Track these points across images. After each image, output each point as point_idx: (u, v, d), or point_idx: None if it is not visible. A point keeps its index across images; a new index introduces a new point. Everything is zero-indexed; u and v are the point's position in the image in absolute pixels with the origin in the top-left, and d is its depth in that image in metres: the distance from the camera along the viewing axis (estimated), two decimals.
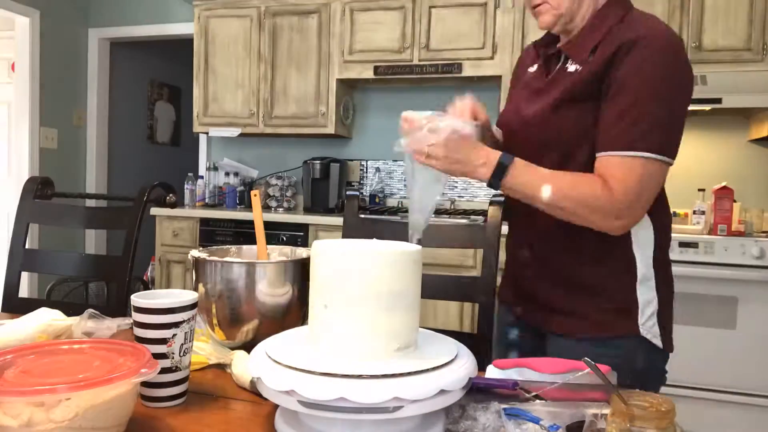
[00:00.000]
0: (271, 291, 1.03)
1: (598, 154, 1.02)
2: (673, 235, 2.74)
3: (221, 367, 1.00)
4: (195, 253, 1.08)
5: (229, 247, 1.19)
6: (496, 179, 1.01)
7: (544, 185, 0.99)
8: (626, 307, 1.08)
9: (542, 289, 1.15)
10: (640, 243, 1.08)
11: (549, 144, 1.08)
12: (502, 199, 1.33)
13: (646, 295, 1.08)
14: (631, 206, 1.00)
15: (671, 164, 1.01)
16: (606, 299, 1.08)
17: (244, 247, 1.21)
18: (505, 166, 1.00)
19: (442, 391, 0.70)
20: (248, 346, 1.02)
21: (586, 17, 1.08)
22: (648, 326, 1.08)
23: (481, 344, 1.26)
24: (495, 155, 1.01)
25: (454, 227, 1.48)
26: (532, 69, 1.19)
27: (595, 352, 0.94)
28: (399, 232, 1.42)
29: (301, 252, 1.16)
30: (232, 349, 1.03)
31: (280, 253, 1.19)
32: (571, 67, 1.07)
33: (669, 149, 1.00)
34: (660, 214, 1.10)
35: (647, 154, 0.98)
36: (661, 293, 1.09)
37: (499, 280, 1.32)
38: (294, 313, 1.06)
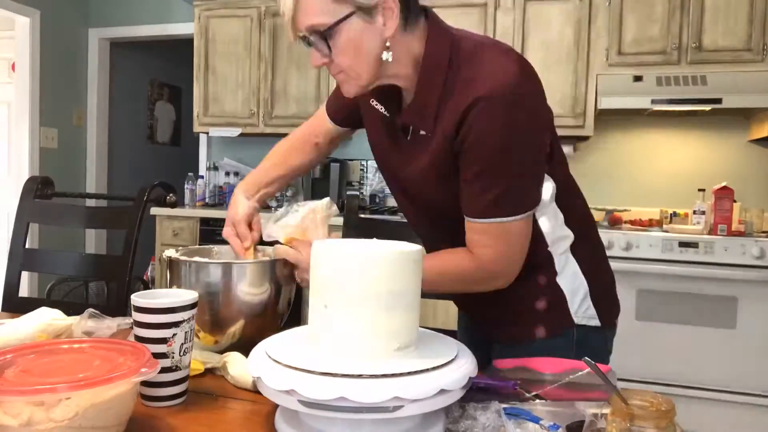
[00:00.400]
0: (249, 291, 1.03)
1: (465, 218, 0.98)
2: (673, 235, 2.76)
3: (217, 370, 0.99)
4: (170, 253, 1.08)
5: (208, 246, 1.21)
6: None
7: (426, 279, 0.95)
8: (553, 302, 1.07)
9: (477, 303, 1.15)
10: (556, 242, 1.07)
11: (438, 210, 1.05)
12: None
13: (571, 283, 1.07)
14: (504, 268, 0.98)
15: (535, 210, 0.98)
16: (533, 301, 1.08)
17: (225, 247, 1.21)
18: None
19: (442, 391, 0.70)
20: (231, 349, 1.02)
21: (407, 66, 0.96)
22: (581, 312, 1.07)
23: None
24: None
25: None
26: (378, 106, 1.08)
27: (535, 353, 0.97)
28: (399, 232, 1.42)
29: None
30: (219, 352, 1.03)
31: (264, 254, 1.20)
32: (422, 131, 0.99)
33: (527, 204, 0.96)
34: (572, 219, 1.09)
35: (506, 219, 0.94)
36: (590, 277, 1.08)
37: None
38: (271, 313, 1.07)
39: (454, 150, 0.94)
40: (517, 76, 0.90)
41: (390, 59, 0.92)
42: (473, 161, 0.93)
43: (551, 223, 1.06)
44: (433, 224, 1.10)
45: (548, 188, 1.03)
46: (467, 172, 0.95)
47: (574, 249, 1.09)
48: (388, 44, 0.91)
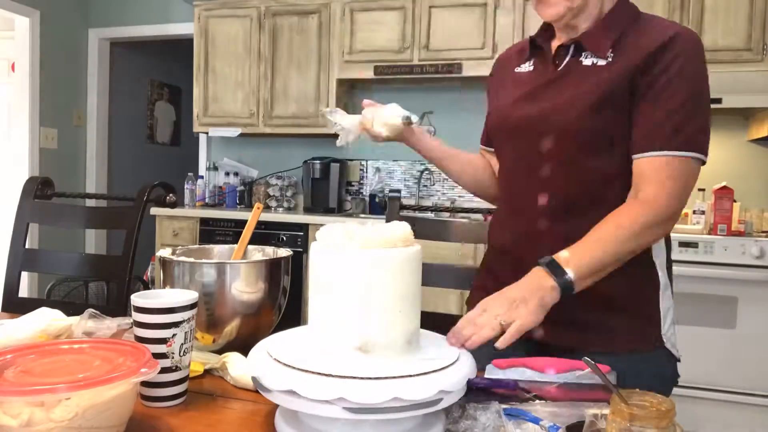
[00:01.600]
0: (243, 289, 1.03)
1: (638, 156, 0.98)
2: (673, 235, 2.75)
3: (215, 371, 0.99)
4: (163, 253, 1.08)
5: (209, 246, 1.21)
6: (565, 287, 0.91)
7: (607, 252, 0.93)
8: (652, 318, 1.04)
9: (566, 306, 0.99)
10: (657, 250, 1.06)
11: (574, 149, 1.01)
12: None
13: (666, 304, 1.05)
14: (677, 207, 0.98)
15: (705, 163, 1.01)
16: (632, 313, 1.04)
17: (225, 247, 1.22)
18: (558, 266, 0.91)
19: (441, 392, 0.70)
20: (229, 347, 1.02)
21: (592, 15, 1.04)
22: (668, 336, 1.05)
23: None
24: (546, 279, 0.91)
25: (466, 224, 1.53)
26: (523, 68, 1.13)
27: (621, 367, 0.88)
28: (439, 230, 1.53)
29: (281, 253, 1.16)
30: (217, 352, 1.03)
31: (264, 254, 1.20)
32: (587, 61, 1.02)
33: (707, 147, 1.00)
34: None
35: (695, 154, 0.97)
36: (673, 301, 1.07)
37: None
38: (266, 313, 1.08)
39: (637, 80, 0.98)
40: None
41: None
42: (676, 91, 0.97)
43: None
44: (551, 172, 1.04)
45: None
46: (663, 103, 0.97)
47: (668, 267, 1.08)
48: None
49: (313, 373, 0.70)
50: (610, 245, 0.94)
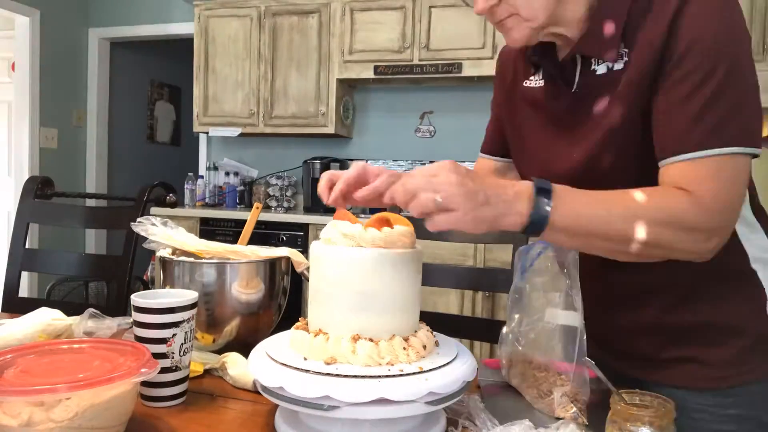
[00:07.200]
0: (243, 289, 1.03)
1: (663, 162, 0.77)
2: None
3: (215, 371, 0.99)
4: (163, 252, 1.08)
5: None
6: (538, 216, 0.71)
7: (616, 212, 0.73)
8: (760, 340, 0.85)
9: (640, 340, 0.91)
10: (758, 253, 0.86)
11: (604, 174, 0.84)
12: None
13: None
14: (726, 213, 0.75)
15: (757, 155, 0.75)
16: (733, 336, 0.85)
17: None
18: (547, 191, 0.72)
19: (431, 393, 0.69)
20: (229, 347, 1.03)
21: (576, 16, 0.83)
22: None
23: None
24: (524, 183, 0.73)
25: None
26: (533, 83, 0.94)
27: (719, 402, 0.83)
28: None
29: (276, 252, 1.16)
30: (217, 352, 1.03)
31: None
32: (601, 68, 0.83)
33: (754, 136, 0.75)
34: (764, 211, 0.88)
35: (729, 149, 0.73)
36: None
37: None
38: (266, 313, 1.08)
39: (658, 71, 0.77)
40: None
41: None
42: (690, 72, 0.74)
43: (748, 230, 0.85)
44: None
45: None
46: (680, 88, 0.75)
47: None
48: None
49: (300, 370, 0.70)
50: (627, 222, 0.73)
